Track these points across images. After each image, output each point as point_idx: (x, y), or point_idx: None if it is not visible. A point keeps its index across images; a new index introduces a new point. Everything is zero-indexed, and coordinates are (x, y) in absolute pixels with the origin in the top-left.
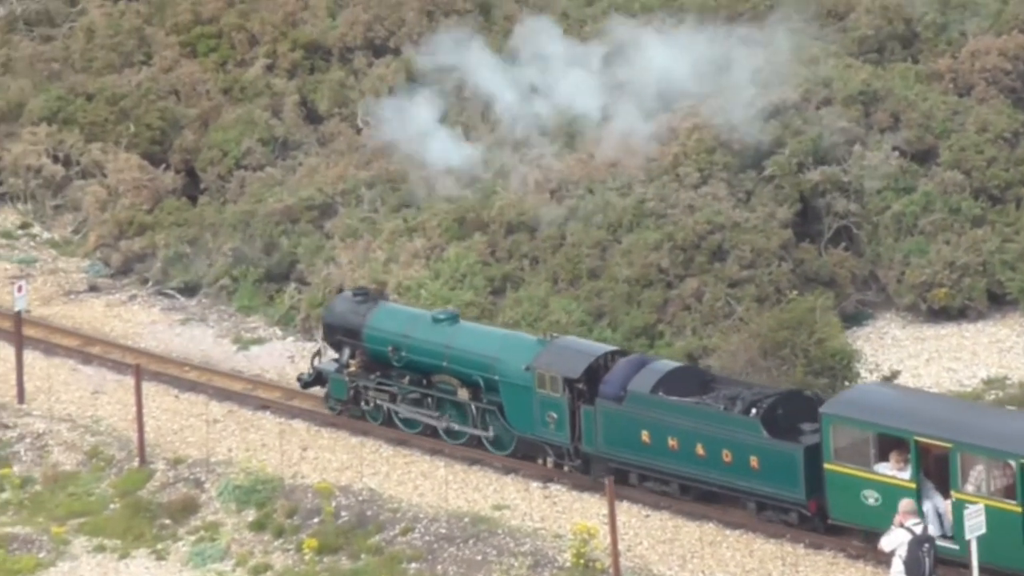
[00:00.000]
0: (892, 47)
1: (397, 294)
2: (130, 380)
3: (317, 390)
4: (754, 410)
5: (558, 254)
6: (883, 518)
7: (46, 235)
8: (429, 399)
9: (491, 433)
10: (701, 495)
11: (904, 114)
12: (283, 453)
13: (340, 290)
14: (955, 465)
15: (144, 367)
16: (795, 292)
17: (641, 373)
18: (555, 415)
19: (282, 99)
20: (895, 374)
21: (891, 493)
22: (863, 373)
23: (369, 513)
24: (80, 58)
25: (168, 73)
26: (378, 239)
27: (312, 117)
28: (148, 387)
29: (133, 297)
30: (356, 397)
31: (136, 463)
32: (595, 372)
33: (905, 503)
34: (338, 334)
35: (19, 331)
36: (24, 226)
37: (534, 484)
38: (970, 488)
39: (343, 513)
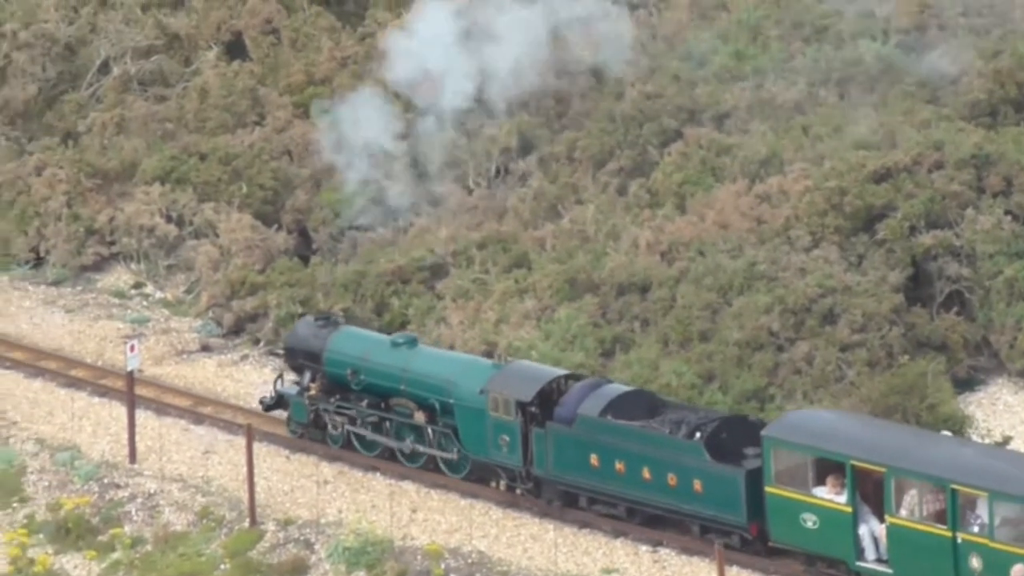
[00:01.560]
0: (1005, 111)
1: (508, 355)
2: (241, 440)
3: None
4: (698, 434)
5: (669, 316)
6: (822, 542)
7: (159, 295)
8: (387, 422)
9: (447, 456)
10: (647, 519)
11: (1017, 178)
12: (393, 514)
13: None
14: (889, 489)
15: (255, 427)
16: (906, 357)
17: (591, 397)
18: (508, 438)
19: (393, 159)
20: (1007, 440)
21: (828, 516)
22: (975, 439)
23: (478, 575)
24: (194, 118)
25: (281, 133)
26: (489, 300)
27: (423, 178)
28: (259, 447)
29: (245, 357)
30: (317, 420)
31: (247, 524)
32: (548, 395)
33: (1017, 569)
34: (299, 358)
35: (131, 391)
36: (137, 286)
37: (643, 548)
38: (904, 512)
39: (452, 575)
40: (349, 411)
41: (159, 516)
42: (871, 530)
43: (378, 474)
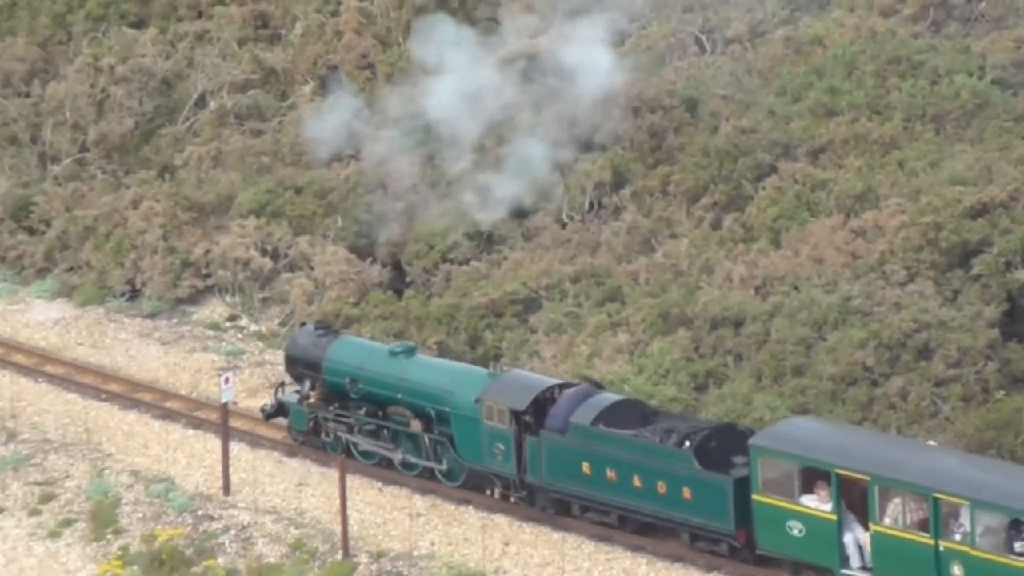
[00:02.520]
0: None
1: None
2: (334, 472)
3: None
4: (687, 442)
5: (762, 350)
6: (808, 549)
7: (253, 327)
8: (385, 430)
9: (443, 465)
10: (638, 526)
11: None
12: (485, 547)
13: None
14: (873, 498)
15: (348, 460)
16: (1002, 392)
17: (583, 406)
18: (502, 446)
19: (488, 194)
20: None
21: (814, 525)
22: None
23: None
24: (289, 152)
25: (376, 167)
26: (582, 333)
27: (517, 212)
28: (352, 480)
29: None
30: (316, 428)
31: (339, 556)
32: (542, 404)
33: None
34: (300, 367)
35: (225, 423)
36: (232, 318)
37: None
38: (887, 521)
39: None
40: (347, 419)
41: (252, 548)
42: (856, 538)
43: (470, 506)
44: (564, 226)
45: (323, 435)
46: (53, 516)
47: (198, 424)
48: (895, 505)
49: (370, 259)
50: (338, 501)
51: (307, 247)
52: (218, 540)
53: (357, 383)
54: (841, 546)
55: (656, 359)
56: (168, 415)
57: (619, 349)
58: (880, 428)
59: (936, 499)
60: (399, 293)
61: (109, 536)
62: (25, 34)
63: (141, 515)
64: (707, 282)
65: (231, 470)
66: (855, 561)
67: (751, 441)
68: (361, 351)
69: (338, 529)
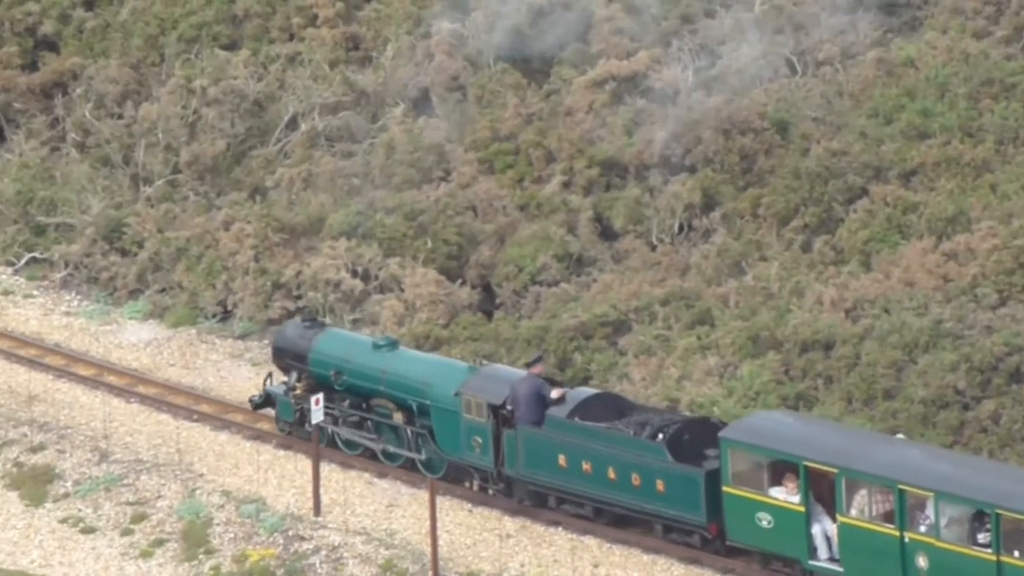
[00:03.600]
0: None
1: (689, 411)
2: (424, 494)
3: None
4: (660, 435)
5: (853, 373)
6: (777, 541)
7: None
8: (368, 422)
9: (424, 456)
10: (614, 518)
11: None
12: (575, 569)
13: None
14: (840, 490)
15: (437, 481)
16: None
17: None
18: (480, 439)
19: (577, 215)
20: None
21: (783, 516)
22: None
23: None
24: (380, 173)
25: (466, 189)
26: (671, 356)
27: (607, 234)
28: (442, 501)
29: None
30: (302, 419)
31: None
32: None
33: None
34: (287, 358)
35: (316, 444)
36: None
37: None
38: (854, 512)
39: None
40: (332, 411)
41: (343, 569)
42: (824, 529)
43: (560, 528)
44: (654, 248)
45: (308, 426)
46: (145, 536)
47: (288, 445)
48: (861, 497)
49: (460, 281)
50: (428, 522)
51: (397, 269)
52: (308, 561)
53: (341, 375)
54: (809, 537)
55: (746, 382)
56: (259, 436)
57: (709, 372)
58: (972, 451)
59: (902, 491)
60: (489, 315)
61: (201, 556)
62: (118, 56)
63: (232, 535)
64: (797, 305)
65: (322, 491)
66: (823, 552)
67: (721, 434)
68: (346, 344)
69: (428, 550)
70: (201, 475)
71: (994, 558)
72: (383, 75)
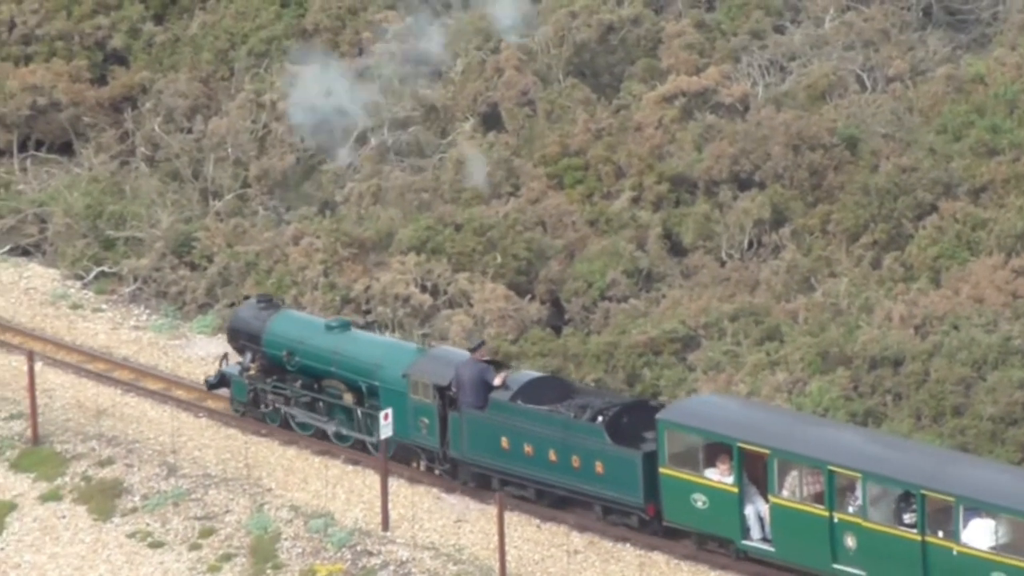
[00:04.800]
0: None
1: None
2: (493, 509)
3: None
4: (600, 418)
5: (922, 390)
6: (711, 521)
7: None
8: (320, 403)
9: (374, 437)
10: (555, 500)
11: None
12: None
13: None
14: (773, 471)
15: (506, 496)
16: None
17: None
18: (427, 420)
19: (647, 231)
20: None
21: (717, 497)
22: None
23: None
24: (449, 188)
25: (535, 204)
26: (740, 372)
27: (676, 249)
28: (510, 516)
29: None
30: (256, 400)
31: None
32: None
33: None
34: (241, 339)
35: (385, 458)
36: None
37: None
38: (786, 493)
39: None
40: (285, 391)
41: None
42: (757, 510)
43: (628, 544)
44: (723, 264)
45: (262, 406)
46: (213, 550)
47: (356, 460)
48: (793, 478)
49: (529, 296)
50: (496, 538)
51: (466, 284)
52: (377, 575)
53: (294, 356)
54: (742, 518)
55: (815, 398)
56: (327, 451)
57: (778, 388)
58: None
59: (831, 472)
60: (557, 330)
61: (269, 571)
62: (187, 70)
63: (300, 550)
64: (866, 321)
65: (390, 505)
66: (755, 533)
67: (658, 416)
68: (299, 325)
69: (496, 566)
70: (269, 490)
71: (919, 538)
72: (453, 90)
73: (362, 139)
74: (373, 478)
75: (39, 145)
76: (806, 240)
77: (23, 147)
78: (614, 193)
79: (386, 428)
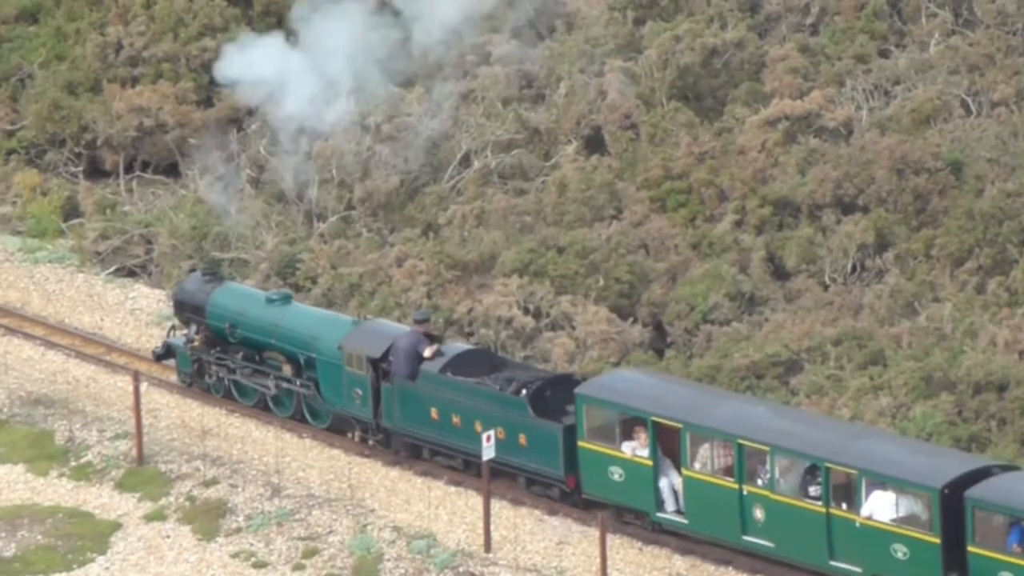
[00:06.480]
0: None
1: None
2: (595, 532)
3: None
4: (524, 391)
5: None
6: (627, 494)
7: None
8: (260, 374)
9: (311, 406)
10: (480, 470)
11: None
12: None
13: None
14: (685, 444)
15: (608, 518)
16: None
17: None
18: (360, 392)
19: (749, 255)
20: None
21: (633, 470)
22: None
23: None
24: (552, 211)
25: (638, 227)
26: (843, 396)
27: (779, 273)
28: (612, 539)
29: None
30: (200, 370)
31: None
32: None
33: None
34: (186, 311)
35: (488, 480)
36: None
37: None
38: (697, 466)
39: None
40: (227, 363)
41: None
42: (671, 483)
43: (731, 567)
44: (826, 288)
45: (207, 377)
46: (316, 571)
47: (459, 481)
48: (704, 451)
49: (631, 319)
50: (598, 560)
51: (569, 306)
52: None
53: (236, 328)
54: (657, 491)
55: (919, 423)
56: (429, 472)
57: (881, 412)
58: None
59: (741, 445)
60: (660, 353)
61: None
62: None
63: (403, 571)
64: (971, 346)
65: (492, 527)
66: (670, 505)
67: (577, 390)
68: (241, 298)
69: None
70: (372, 510)
71: (824, 510)
72: (556, 113)
73: (466, 161)
74: (475, 499)
75: (145, 166)
76: (910, 264)
77: (129, 168)
78: (717, 216)
79: (488, 450)
